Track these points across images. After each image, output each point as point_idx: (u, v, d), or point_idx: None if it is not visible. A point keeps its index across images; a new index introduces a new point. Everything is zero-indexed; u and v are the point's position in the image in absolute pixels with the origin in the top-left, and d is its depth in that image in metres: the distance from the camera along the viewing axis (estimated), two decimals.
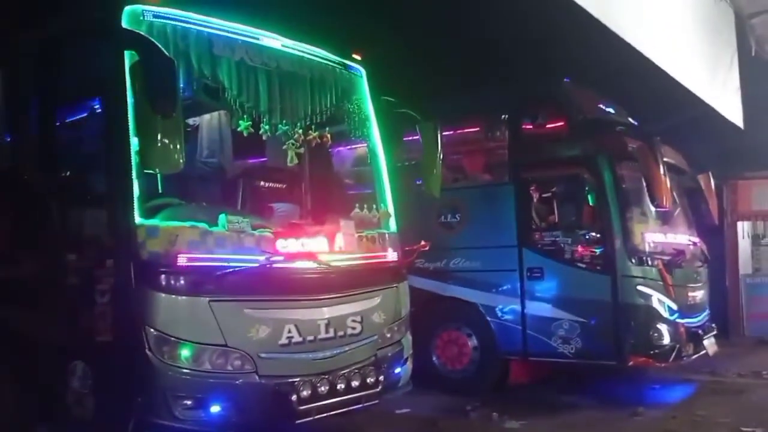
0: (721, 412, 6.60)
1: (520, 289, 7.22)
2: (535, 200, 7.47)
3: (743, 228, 12.81)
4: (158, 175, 4.49)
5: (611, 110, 7.84)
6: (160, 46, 4.12)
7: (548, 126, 7.49)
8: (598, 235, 6.92)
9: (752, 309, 11.81)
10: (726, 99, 6.00)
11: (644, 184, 6.76)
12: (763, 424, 6.12)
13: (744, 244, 12.83)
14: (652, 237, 6.96)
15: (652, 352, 6.72)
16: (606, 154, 6.92)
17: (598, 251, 6.88)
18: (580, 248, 6.97)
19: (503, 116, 7.77)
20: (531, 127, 7.57)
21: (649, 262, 6.85)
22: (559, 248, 7.09)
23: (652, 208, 6.96)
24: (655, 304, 6.77)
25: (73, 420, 4.47)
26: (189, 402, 4.15)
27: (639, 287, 6.73)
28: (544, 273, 7.10)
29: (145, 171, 4.15)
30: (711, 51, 5.52)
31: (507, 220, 7.34)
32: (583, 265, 6.94)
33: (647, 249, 6.86)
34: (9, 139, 5.41)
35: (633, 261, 6.75)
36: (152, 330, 4.10)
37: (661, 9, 4.54)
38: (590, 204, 7.15)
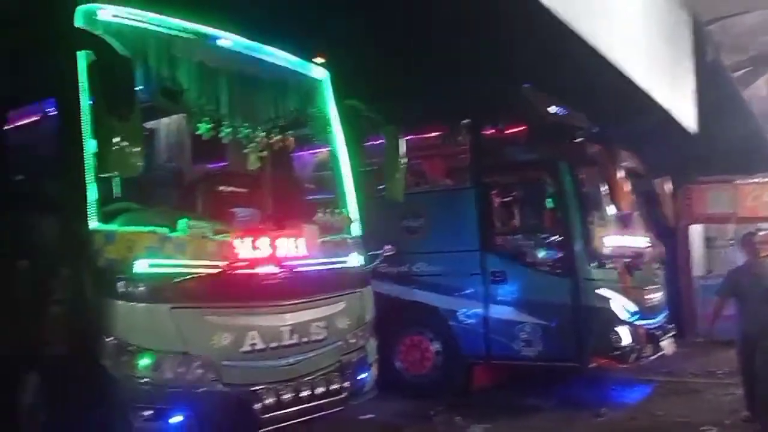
0: (680, 412, 6.73)
1: (483, 292, 7.26)
2: (496, 204, 7.52)
3: (697, 231, 13.16)
4: (115, 179, 4.34)
5: (571, 115, 7.94)
6: (116, 45, 3.99)
7: (509, 131, 7.58)
8: (559, 239, 7.00)
9: (706, 310, 12.06)
10: (682, 104, 6.13)
11: (604, 188, 6.88)
12: (719, 423, 6.26)
13: (697, 247, 13.17)
14: (611, 240, 7.07)
15: (612, 353, 6.82)
16: (566, 159, 7.01)
17: (558, 255, 6.96)
18: (541, 252, 7.03)
19: (465, 121, 7.80)
20: (492, 132, 7.64)
21: (609, 265, 6.95)
22: (521, 252, 7.17)
23: (612, 212, 7.08)
24: (615, 307, 6.88)
25: None
26: (149, 413, 4.01)
27: (599, 290, 6.83)
28: (506, 276, 7.16)
29: (102, 175, 4.01)
30: (669, 57, 5.65)
31: (469, 225, 7.38)
32: (545, 269, 7.02)
33: (607, 252, 6.96)
34: None
35: (593, 264, 6.85)
36: (110, 339, 3.95)
37: (621, 14, 4.60)
38: (551, 208, 7.22)
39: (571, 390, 7.60)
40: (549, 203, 7.25)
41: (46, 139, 4.50)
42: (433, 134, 8.15)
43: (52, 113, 4.47)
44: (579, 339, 6.79)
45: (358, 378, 5.19)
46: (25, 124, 4.72)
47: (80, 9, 4.13)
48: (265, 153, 5.21)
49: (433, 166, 8.09)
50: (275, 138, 5.23)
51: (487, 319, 7.22)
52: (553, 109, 7.68)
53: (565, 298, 6.82)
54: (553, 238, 7.08)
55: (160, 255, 4.11)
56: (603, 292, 6.84)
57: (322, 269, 5.04)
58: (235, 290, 4.40)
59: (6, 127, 4.71)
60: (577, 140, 7.22)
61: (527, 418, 6.71)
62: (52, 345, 4.11)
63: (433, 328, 7.58)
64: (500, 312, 7.15)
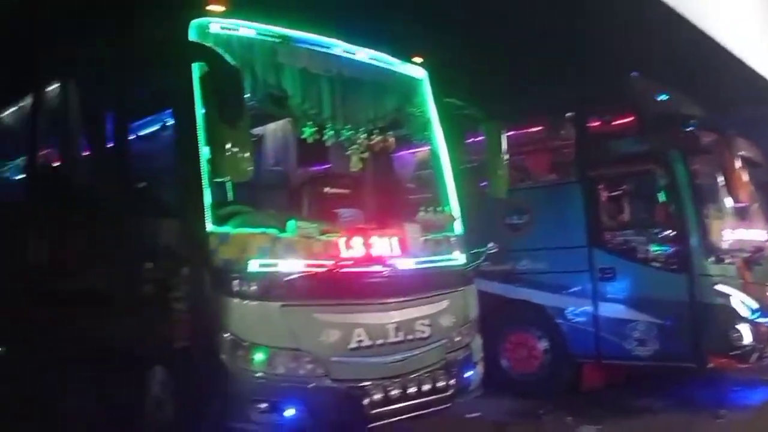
0: None
1: (591, 290, 7.03)
2: (604, 199, 7.26)
3: None
4: (227, 183, 4.57)
5: (682, 103, 7.57)
6: (227, 57, 4.21)
7: (617, 122, 7.31)
8: (673, 233, 6.68)
9: None
10: None
11: (720, 179, 6.52)
12: None
13: None
14: (729, 234, 6.68)
15: (732, 353, 6.44)
16: (679, 150, 6.68)
17: (672, 250, 6.65)
18: (653, 247, 6.75)
19: (569, 113, 7.60)
20: (598, 123, 7.40)
21: (727, 260, 6.57)
22: (632, 247, 6.88)
23: (729, 204, 6.70)
24: (735, 304, 6.49)
25: (152, 423, 4.58)
26: (264, 405, 4.19)
27: (717, 286, 6.47)
28: (616, 273, 6.90)
29: (216, 180, 4.24)
30: None
31: (575, 220, 7.17)
32: (658, 265, 6.71)
33: (724, 246, 6.58)
34: (85, 154, 5.63)
35: (710, 259, 6.49)
36: (227, 335, 4.17)
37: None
38: (663, 201, 6.90)
39: (687, 390, 7.24)
40: (661, 196, 6.93)
41: (165, 147, 4.82)
42: (536, 128, 8.00)
43: (169, 123, 4.78)
44: (696, 338, 6.44)
45: (464, 376, 5.19)
46: (145, 134, 5.07)
47: (193, 24, 4.39)
48: (366, 154, 5.31)
49: (537, 161, 7.92)
50: (376, 139, 5.32)
51: (596, 317, 6.98)
52: (662, 97, 7.35)
53: (681, 295, 6.48)
54: (666, 232, 6.74)
55: (270, 255, 4.30)
56: (721, 288, 6.47)
57: (426, 268, 5.07)
58: (341, 288, 4.53)
59: (130, 138, 5.07)
60: (690, 129, 6.86)
61: (641, 419, 6.46)
62: (175, 340, 4.36)
63: (540, 327, 7.42)
64: (610, 310, 6.90)
